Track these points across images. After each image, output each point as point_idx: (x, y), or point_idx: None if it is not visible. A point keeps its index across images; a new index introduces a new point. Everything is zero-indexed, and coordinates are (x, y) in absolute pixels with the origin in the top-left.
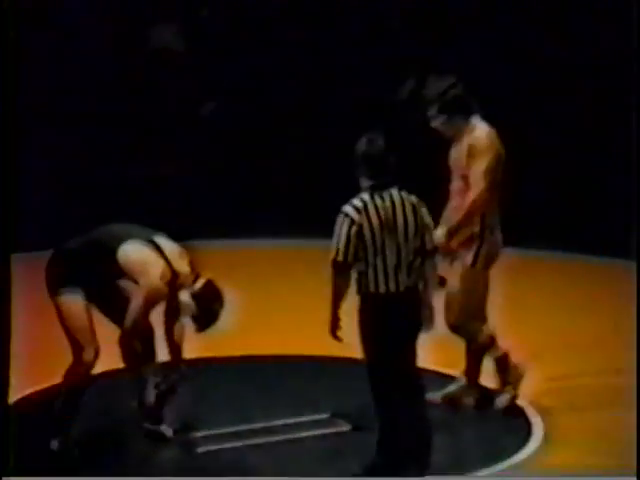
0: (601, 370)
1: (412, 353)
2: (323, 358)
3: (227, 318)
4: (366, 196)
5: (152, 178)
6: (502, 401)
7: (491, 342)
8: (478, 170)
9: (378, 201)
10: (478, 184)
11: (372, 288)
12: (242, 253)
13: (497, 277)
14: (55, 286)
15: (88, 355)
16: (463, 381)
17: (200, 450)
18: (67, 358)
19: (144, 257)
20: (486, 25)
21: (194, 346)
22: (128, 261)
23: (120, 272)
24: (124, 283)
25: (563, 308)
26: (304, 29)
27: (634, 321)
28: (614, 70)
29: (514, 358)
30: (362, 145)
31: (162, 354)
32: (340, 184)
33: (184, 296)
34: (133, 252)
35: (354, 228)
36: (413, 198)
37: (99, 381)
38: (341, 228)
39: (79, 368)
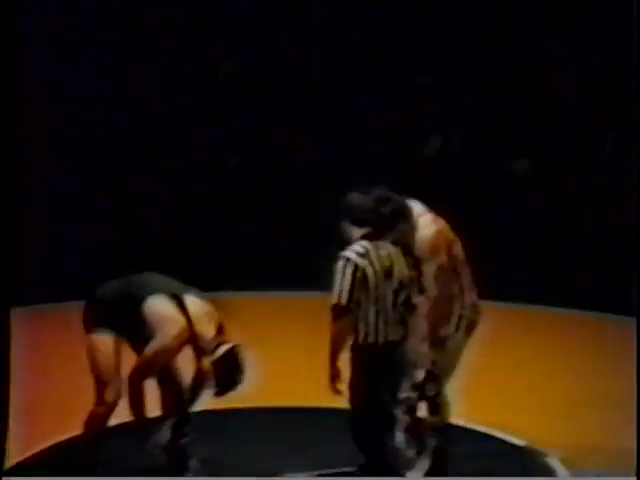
0: None
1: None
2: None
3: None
4: (366, 243)
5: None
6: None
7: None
8: (432, 271)
9: (377, 249)
10: (435, 286)
11: (362, 338)
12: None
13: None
14: (89, 325)
15: (110, 394)
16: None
17: None
18: (68, 413)
19: (164, 312)
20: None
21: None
22: (149, 314)
23: (144, 323)
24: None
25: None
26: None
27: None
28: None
29: None
30: (356, 197)
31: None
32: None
33: (205, 363)
34: (155, 306)
35: (358, 273)
36: (399, 251)
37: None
38: (344, 272)
39: (100, 409)
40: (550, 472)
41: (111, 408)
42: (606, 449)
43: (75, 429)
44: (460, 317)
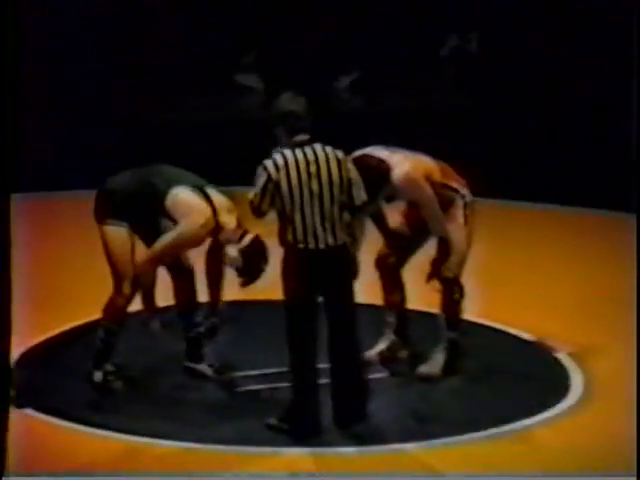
0: None
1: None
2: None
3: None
4: (288, 152)
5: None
6: (427, 368)
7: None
8: (423, 206)
9: (300, 156)
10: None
11: (291, 242)
12: None
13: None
14: (102, 216)
15: (127, 287)
16: (393, 336)
17: (239, 390)
18: (72, 298)
19: (191, 201)
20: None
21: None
22: (176, 203)
23: (165, 213)
24: (167, 223)
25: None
26: None
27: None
28: None
29: None
30: (285, 101)
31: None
32: None
33: (232, 251)
34: (183, 196)
35: (270, 185)
36: (339, 153)
37: (137, 318)
38: (258, 180)
39: (118, 299)
40: (560, 366)
41: (129, 299)
42: (611, 349)
43: (82, 318)
44: (465, 206)
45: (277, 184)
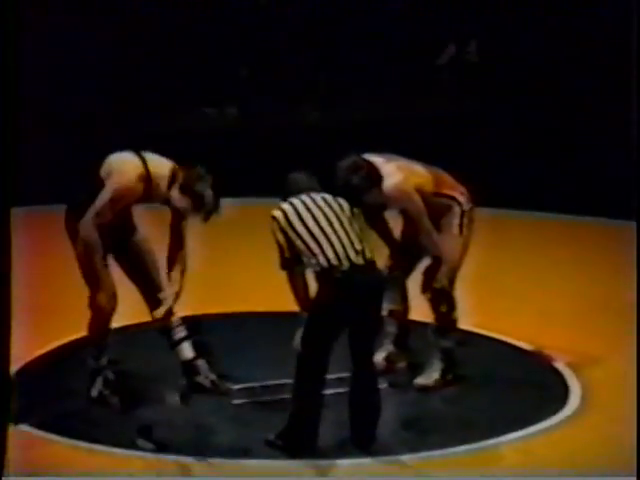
0: None
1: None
2: None
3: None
4: (294, 199)
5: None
6: (423, 379)
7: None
8: (413, 217)
9: (308, 199)
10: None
11: (326, 267)
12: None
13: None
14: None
15: (101, 299)
16: (392, 347)
17: (235, 402)
18: (72, 315)
19: (121, 159)
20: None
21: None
22: (108, 167)
23: (102, 183)
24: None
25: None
26: None
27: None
28: None
29: None
30: (300, 181)
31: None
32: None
33: (174, 193)
34: (112, 158)
35: (282, 235)
36: (344, 202)
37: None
38: (273, 233)
39: (96, 314)
40: (558, 375)
41: (106, 313)
42: (607, 358)
43: (83, 330)
44: (462, 215)
45: (291, 227)
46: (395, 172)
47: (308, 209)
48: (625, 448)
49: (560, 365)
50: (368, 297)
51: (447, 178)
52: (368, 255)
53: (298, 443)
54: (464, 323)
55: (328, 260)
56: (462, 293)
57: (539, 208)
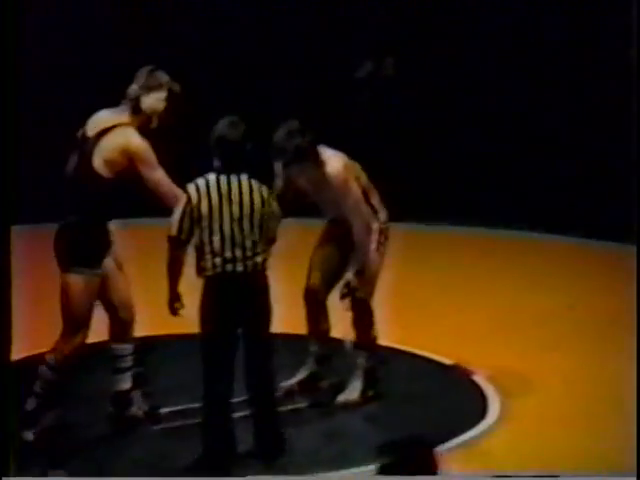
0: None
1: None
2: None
3: None
4: (212, 176)
5: None
6: (344, 396)
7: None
8: (349, 204)
9: (223, 183)
10: (355, 217)
11: (210, 268)
12: None
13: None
14: (63, 264)
15: (78, 338)
16: (314, 366)
17: (166, 426)
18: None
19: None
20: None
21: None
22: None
23: None
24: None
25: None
26: None
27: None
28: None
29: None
30: (221, 126)
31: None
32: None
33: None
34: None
35: (189, 208)
36: (264, 188)
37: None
38: (177, 205)
39: (65, 347)
40: (478, 390)
41: (74, 349)
42: (525, 370)
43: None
44: (380, 232)
45: (198, 206)
46: (337, 159)
47: (220, 196)
48: (548, 459)
49: (479, 378)
50: (252, 292)
51: (374, 190)
52: (259, 265)
53: (215, 458)
54: (383, 339)
55: (214, 263)
56: (381, 309)
57: (454, 222)
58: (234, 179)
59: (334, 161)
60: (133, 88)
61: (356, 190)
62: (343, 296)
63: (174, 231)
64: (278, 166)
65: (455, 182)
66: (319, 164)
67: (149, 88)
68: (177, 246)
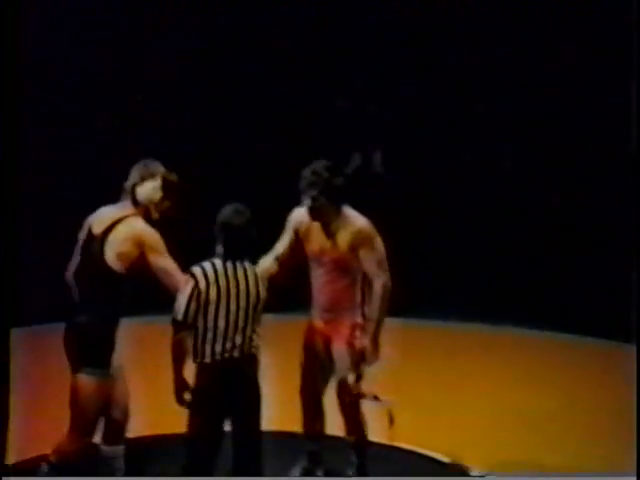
0: None
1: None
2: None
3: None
4: (218, 261)
5: None
6: None
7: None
8: (374, 260)
9: (230, 270)
10: (379, 273)
11: (209, 353)
12: None
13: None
14: (75, 364)
15: (85, 440)
16: (307, 464)
17: None
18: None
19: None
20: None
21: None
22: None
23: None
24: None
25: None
26: None
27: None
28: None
29: None
30: (226, 213)
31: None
32: None
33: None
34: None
35: (196, 291)
36: (257, 269)
37: None
38: (184, 288)
39: (70, 447)
40: None
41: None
42: (523, 468)
43: None
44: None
45: (206, 291)
46: (363, 217)
47: (227, 284)
48: None
49: (477, 475)
50: (244, 380)
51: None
52: (254, 344)
53: None
54: (376, 435)
55: (213, 354)
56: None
57: (446, 318)
58: (239, 266)
59: (361, 217)
60: (129, 181)
61: (381, 247)
62: (343, 395)
63: (180, 315)
64: (307, 200)
65: (452, 278)
66: (342, 214)
67: (142, 178)
68: (182, 330)
